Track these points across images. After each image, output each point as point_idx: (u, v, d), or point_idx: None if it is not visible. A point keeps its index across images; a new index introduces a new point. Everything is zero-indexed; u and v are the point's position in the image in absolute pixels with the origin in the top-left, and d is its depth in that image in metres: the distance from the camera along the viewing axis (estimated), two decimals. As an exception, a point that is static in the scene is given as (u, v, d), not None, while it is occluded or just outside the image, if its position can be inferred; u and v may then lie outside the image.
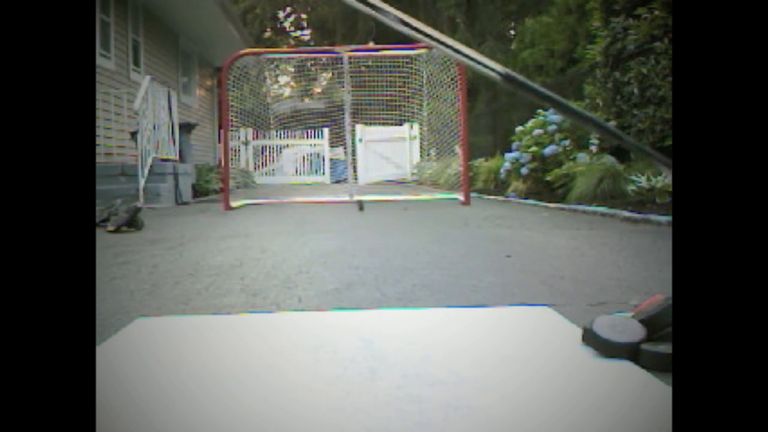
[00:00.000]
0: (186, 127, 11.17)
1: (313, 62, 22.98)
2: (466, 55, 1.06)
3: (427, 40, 1.04)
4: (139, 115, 8.69)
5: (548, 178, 8.09)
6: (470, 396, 1.27)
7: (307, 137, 19.84)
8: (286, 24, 32.14)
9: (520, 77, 1.07)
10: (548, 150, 8.42)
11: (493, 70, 1.06)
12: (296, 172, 19.98)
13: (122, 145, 10.18)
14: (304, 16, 31.45)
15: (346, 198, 9.46)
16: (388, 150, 18.77)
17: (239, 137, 18.06)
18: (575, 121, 1.05)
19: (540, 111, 9.28)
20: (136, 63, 12.24)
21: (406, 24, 1.04)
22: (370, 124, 17.45)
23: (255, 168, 18.95)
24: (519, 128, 9.49)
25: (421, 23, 1.04)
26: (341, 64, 9.53)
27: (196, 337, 1.80)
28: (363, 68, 12.02)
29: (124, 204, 5.61)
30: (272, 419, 1.17)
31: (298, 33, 32.20)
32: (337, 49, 10.02)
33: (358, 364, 1.48)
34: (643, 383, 1.34)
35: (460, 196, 8.33)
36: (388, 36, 24.04)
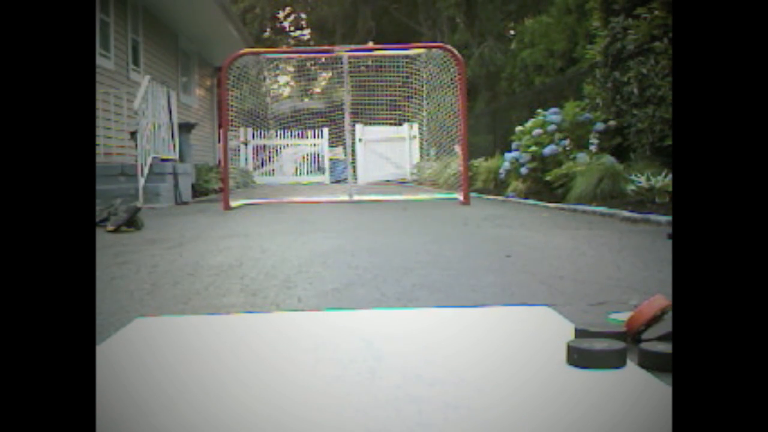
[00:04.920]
0: (186, 127, 11.17)
1: (312, 62, 22.98)
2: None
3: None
4: (138, 114, 8.69)
5: (548, 178, 8.09)
6: (470, 396, 1.27)
7: (307, 137, 19.83)
8: (286, 24, 32.14)
9: None
10: (548, 150, 8.41)
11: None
12: (296, 172, 19.97)
13: (122, 145, 10.17)
14: (303, 16, 31.45)
15: (346, 198, 9.46)
16: (387, 150, 18.76)
17: (239, 137, 18.04)
18: None
19: (539, 111, 9.29)
20: (136, 63, 12.24)
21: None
22: (370, 124, 17.45)
23: (255, 168, 18.94)
24: (518, 128, 9.48)
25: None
26: (341, 64, 9.53)
27: (195, 337, 1.80)
28: (363, 68, 12.02)
29: (124, 204, 5.61)
30: (272, 419, 1.17)
31: (298, 33, 32.20)
32: (336, 49, 10.02)
33: (358, 364, 1.48)
34: (643, 383, 1.34)
35: (460, 196, 8.33)
36: (387, 36, 24.03)
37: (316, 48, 24.80)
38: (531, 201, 8.04)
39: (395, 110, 14.74)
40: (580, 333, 1.63)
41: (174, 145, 10.22)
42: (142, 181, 8.44)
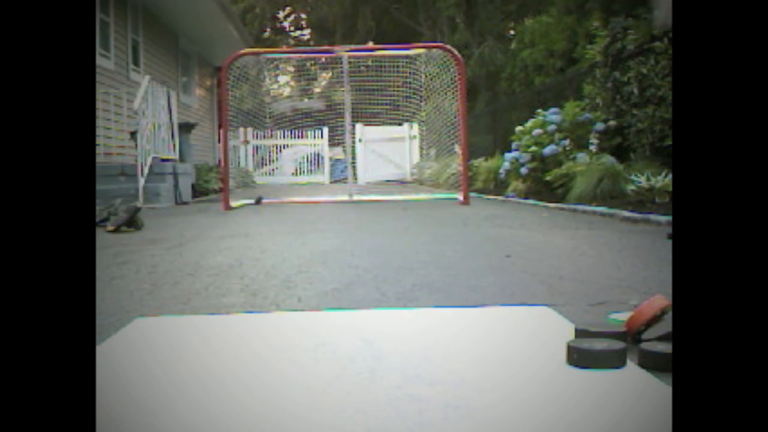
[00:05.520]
0: (186, 127, 11.17)
1: (312, 62, 22.97)
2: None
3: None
4: (138, 114, 8.69)
5: (548, 178, 8.09)
6: (470, 396, 1.27)
7: (307, 137, 19.84)
8: (286, 24, 32.13)
9: None
10: (548, 150, 8.41)
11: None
12: (296, 171, 19.98)
13: (122, 145, 10.17)
14: (303, 15, 31.44)
15: (346, 198, 9.46)
16: (387, 150, 18.77)
17: (239, 137, 18.04)
18: None
19: (539, 111, 9.29)
20: (136, 63, 12.24)
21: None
22: (370, 123, 17.44)
23: (255, 168, 18.94)
24: (518, 128, 9.49)
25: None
26: (341, 64, 9.53)
27: (195, 337, 1.80)
28: (362, 68, 12.01)
29: (124, 204, 5.61)
30: (272, 419, 1.17)
31: (298, 33, 32.19)
32: (336, 49, 10.02)
33: (358, 364, 1.48)
34: (643, 383, 1.34)
35: (460, 196, 8.33)
36: (387, 36, 24.02)
37: (316, 48, 24.78)
38: (531, 201, 8.04)
39: (395, 110, 14.73)
40: (580, 333, 1.63)
41: (174, 145, 10.22)
42: (142, 181, 8.44)
